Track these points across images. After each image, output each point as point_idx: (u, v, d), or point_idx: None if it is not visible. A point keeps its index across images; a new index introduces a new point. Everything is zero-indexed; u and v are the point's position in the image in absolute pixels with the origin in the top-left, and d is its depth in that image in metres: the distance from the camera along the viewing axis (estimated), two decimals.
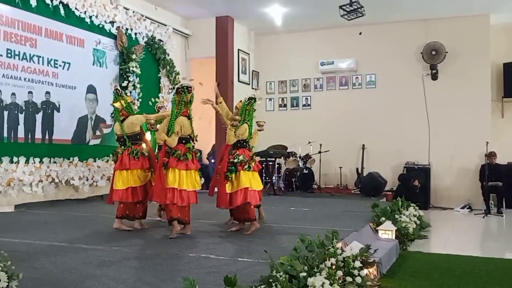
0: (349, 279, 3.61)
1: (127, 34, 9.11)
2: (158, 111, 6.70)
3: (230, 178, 5.36)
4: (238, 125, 5.53)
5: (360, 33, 11.35)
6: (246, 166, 5.36)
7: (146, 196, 5.44)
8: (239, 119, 5.55)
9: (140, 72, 9.14)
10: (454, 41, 10.66)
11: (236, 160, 5.37)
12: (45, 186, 7.30)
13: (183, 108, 5.11)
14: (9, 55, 6.97)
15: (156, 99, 9.43)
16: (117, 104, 5.63)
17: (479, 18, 10.46)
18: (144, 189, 5.48)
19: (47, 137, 7.55)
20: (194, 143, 5.20)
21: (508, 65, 10.82)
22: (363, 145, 11.31)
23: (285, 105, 12.30)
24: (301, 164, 10.91)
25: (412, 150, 10.84)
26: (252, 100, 5.64)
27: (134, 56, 9.02)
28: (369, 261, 4.10)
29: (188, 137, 5.14)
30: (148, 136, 5.95)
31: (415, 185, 10.08)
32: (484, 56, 10.54)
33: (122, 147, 5.57)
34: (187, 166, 5.00)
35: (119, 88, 5.81)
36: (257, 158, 5.61)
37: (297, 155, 11.07)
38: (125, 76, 8.94)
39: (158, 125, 5.65)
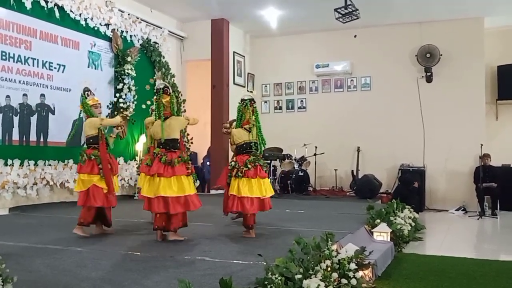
0: (344, 281, 3.62)
1: (122, 36, 9.11)
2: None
3: (229, 184, 5.35)
4: (229, 132, 5.49)
5: (355, 36, 11.39)
6: (234, 173, 5.23)
7: (87, 201, 5.15)
8: (227, 126, 5.50)
9: (135, 75, 9.14)
10: (449, 44, 10.71)
11: (229, 167, 5.36)
12: (39, 189, 7.28)
13: (163, 110, 4.88)
14: (4, 57, 6.95)
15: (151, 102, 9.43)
16: (80, 106, 5.48)
17: (474, 21, 10.51)
18: (86, 194, 5.17)
19: (41, 139, 7.53)
20: (183, 146, 5.00)
21: (502, 67, 10.89)
22: (358, 147, 11.33)
23: (280, 108, 12.32)
24: (296, 166, 10.92)
25: (407, 152, 10.87)
26: (245, 101, 5.42)
27: (129, 59, 9.02)
28: (364, 263, 4.11)
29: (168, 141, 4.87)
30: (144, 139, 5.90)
31: (415, 186, 10.13)
32: (479, 59, 10.60)
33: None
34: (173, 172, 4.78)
35: (88, 89, 5.60)
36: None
37: (293, 158, 11.08)
38: (120, 79, 8.93)
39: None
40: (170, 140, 4.82)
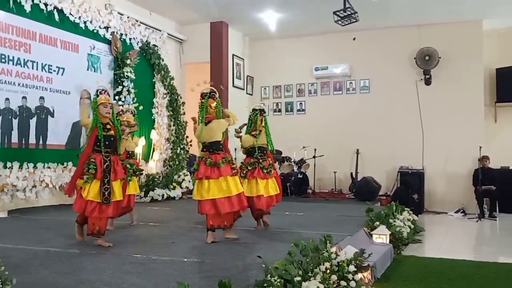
0: (343, 283, 3.61)
1: (122, 39, 9.12)
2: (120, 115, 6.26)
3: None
4: (240, 136, 6.02)
5: (354, 39, 11.42)
6: (240, 174, 5.61)
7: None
8: (238, 131, 6.05)
9: (134, 77, 9.15)
10: (447, 47, 10.73)
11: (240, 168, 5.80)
12: (39, 192, 7.27)
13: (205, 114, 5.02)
14: (3, 60, 6.95)
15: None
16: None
17: (472, 24, 10.54)
18: None
19: (41, 142, 7.53)
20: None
21: (500, 70, 10.91)
22: (357, 149, 11.34)
23: (279, 110, 12.33)
24: (295, 168, 10.94)
25: (406, 155, 10.88)
26: (256, 111, 5.87)
27: (128, 61, 9.03)
28: (364, 265, 4.11)
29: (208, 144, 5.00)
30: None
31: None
32: (477, 61, 10.62)
33: None
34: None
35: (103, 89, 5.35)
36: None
37: (292, 160, 11.09)
38: (119, 81, 8.94)
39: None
40: (212, 143, 4.98)
